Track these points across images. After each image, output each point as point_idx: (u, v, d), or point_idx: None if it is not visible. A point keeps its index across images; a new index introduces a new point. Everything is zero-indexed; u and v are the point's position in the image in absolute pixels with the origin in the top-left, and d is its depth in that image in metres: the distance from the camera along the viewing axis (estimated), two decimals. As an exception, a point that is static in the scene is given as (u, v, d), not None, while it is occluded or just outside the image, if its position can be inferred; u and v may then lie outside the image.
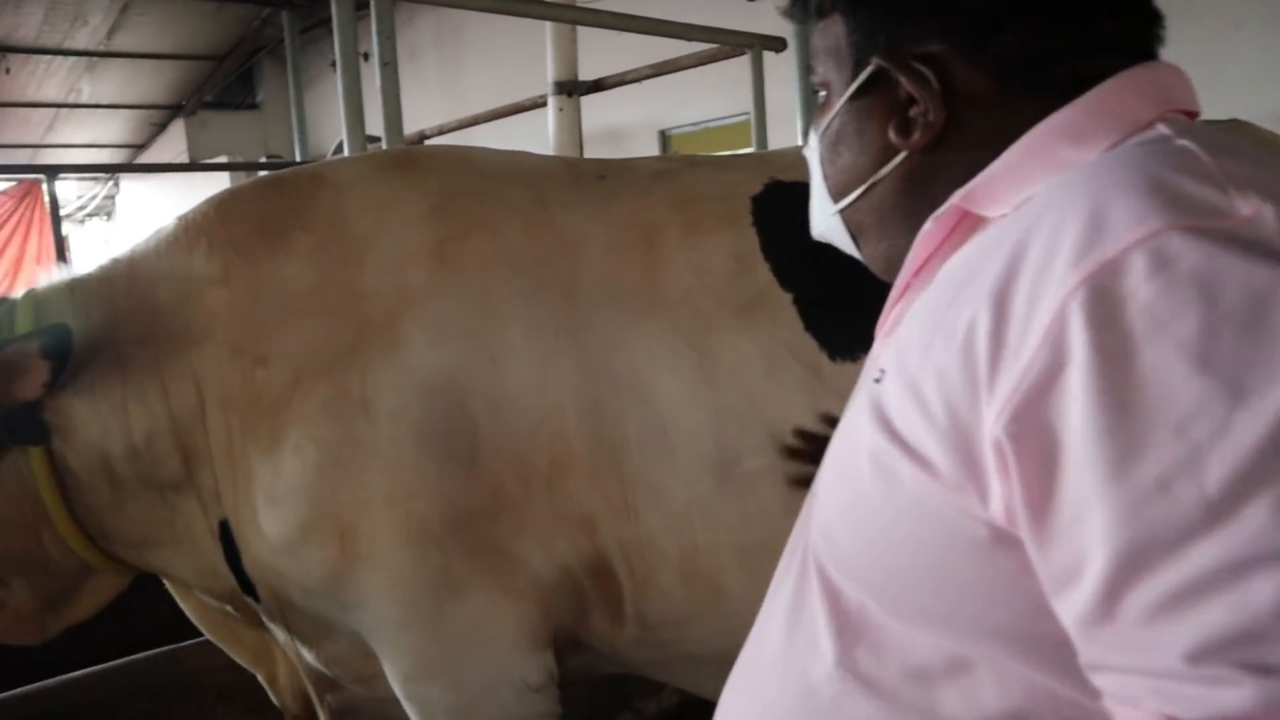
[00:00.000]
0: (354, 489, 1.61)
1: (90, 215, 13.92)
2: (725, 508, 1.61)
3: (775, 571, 0.84)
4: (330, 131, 10.85)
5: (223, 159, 10.74)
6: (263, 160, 10.84)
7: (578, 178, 1.85)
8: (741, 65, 4.89)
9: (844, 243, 0.90)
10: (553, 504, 1.64)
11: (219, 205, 1.82)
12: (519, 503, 1.64)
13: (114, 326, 1.74)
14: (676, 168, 1.88)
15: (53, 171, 5.00)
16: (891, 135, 0.77)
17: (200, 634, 2.37)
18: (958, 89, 0.74)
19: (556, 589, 1.67)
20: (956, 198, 0.72)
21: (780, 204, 1.76)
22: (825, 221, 0.89)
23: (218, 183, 11.95)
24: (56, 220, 4.69)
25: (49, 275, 1.85)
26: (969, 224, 0.73)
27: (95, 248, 13.47)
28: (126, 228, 14.10)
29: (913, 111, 0.75)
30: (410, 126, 3.12)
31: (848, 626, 0.69)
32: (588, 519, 1.64)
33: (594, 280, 1.70)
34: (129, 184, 14.14)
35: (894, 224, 0.81)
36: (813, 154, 0.89)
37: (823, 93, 0.86)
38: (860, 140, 0.80)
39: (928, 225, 0.74)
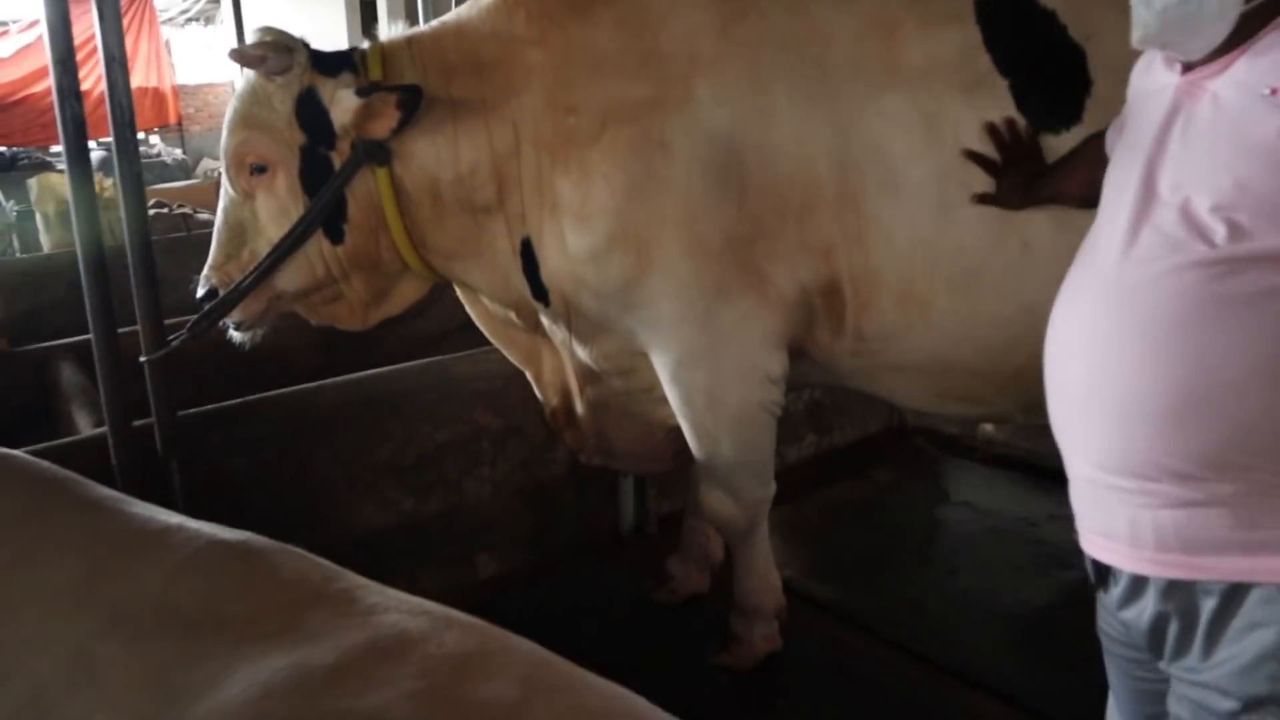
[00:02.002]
0: (651, 212, 2.07)
1: (191, 20, 14.19)
2: (941, 245, 2.04)
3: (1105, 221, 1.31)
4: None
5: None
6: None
7: None
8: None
9: (1199, 36, 1.21)
10: (801, 235, 2.09)
11: None
12: (775, 232, 2.09)
13: (446, 76, 2.17)
14: None
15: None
16: None
17: (461, 350, 2.90)
18: None
19: (796, 303, 2.14)
20: None
21: (998, 8, 2.12)
22: (1206, 16, 1.20)
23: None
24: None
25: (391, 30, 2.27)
26: None
27: (194, 52, 13.80)
28: (227, 33, 14.32)
29: None
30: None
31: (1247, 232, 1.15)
32: (827, 249, 2.09)
33: (843, 60, 2.09)
34: (229, -11, 14.29)
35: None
36: None
37: None
38: None
39: None
